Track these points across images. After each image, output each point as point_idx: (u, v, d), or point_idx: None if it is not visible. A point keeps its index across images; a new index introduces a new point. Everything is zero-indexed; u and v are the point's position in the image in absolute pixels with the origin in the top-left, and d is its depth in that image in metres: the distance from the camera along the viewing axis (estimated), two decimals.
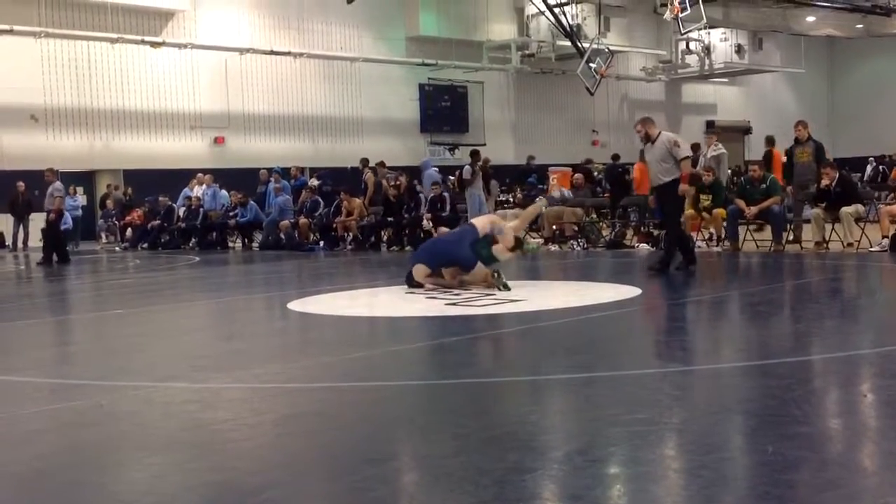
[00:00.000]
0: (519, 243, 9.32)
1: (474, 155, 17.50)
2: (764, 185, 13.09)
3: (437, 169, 20.61)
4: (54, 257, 15.90)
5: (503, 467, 3.30)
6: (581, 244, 14.98)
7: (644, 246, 14.38)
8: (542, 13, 27.44)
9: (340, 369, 5.57)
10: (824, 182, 12.52)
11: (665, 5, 25.55)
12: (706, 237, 14.09)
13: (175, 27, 24.29)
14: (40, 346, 7.33)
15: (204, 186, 21.12)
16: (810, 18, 32.68)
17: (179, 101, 24.53)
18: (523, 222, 9.34)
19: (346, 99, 27.50)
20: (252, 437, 3.94)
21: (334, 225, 17.86)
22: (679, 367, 5.22)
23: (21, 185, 20.51)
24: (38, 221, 18.92)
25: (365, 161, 19.85)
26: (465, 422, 4.05)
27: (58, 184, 16.86)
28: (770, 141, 17.72)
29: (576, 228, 15.53)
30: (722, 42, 32.89)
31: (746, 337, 6.55)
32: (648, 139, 10.17)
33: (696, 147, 19.90)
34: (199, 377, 5.35)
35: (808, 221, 13.03)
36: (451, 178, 19.20)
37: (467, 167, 17.21)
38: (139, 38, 22.98)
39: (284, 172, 20.38)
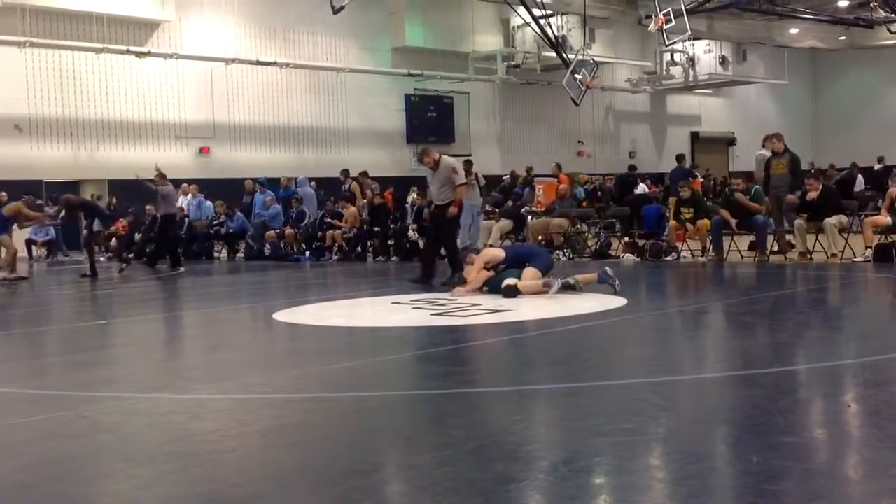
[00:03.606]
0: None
1: (467, 165, 17.50)
2: (748, 196, 13.17)
3: (314, 184, 20.76)
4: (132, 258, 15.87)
5: (489, 477, 3.30)
6: (567, 254, 15.01)
7: (630, 256, 14.42)
8: (528, 24, 27.52)
9: (326, 380, 5.56)
10: (810, 194, 12.59)
11: (650, 17, 25.69)
12: (689, 248, 14.14)
13: (160, 37, 24.23)
14: (22, 357, 7.28)
15: (189, 196, 21.04)
16: (794, 30, 32.92)
17: (165, 111, 24.46)
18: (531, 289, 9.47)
19: (331, 109, 27.48)
20: (237, 448, 3.93)
21: (319, 235, 17.83)
22: (664, 377, 5.23)
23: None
24: (22, 232, 18.80)
25: (346, 172, 19.81)
26: (450, 432, 4.05)
27: (169, 188, 16.70)
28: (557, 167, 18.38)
29: (562, 239, 15.56)
30: (706, 54, 33.08)
31: (731, 347, 6.57)
32: (436, 165, 11.07)
33: (680, 158, 20.07)
34: (184, 388, 5.33)
35: (789, 232, 13.11)
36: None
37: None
38: (124, 48, 22.90)
39: (268, 183, 20.34)
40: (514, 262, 9.51)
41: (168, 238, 16.63)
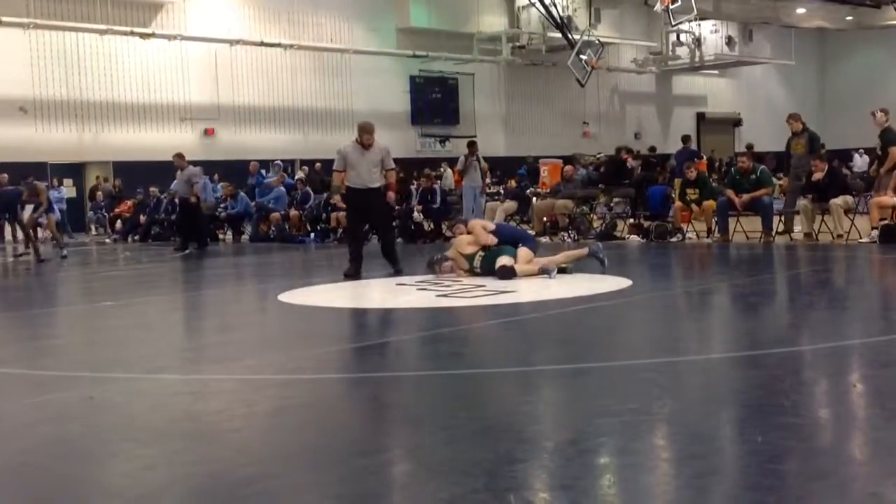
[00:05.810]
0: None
1: (470, 145, 17.42)
2: (754, 176, 13.12)
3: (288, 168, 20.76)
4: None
5: (494, 458, 3.30)
6: (571, 235, 14.99)
7: (635, 237, 14.39)
8: (533, 4, 27.41)
9: (331, 361, 5.57)
10: (816, 175, 12.55)
11: None
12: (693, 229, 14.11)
13: (164, 18, 24.17)
14: (28, 338, 7.29)
15: None
16: (800, 10, 32.71)
17: (169, 92, 24.42)
18: (566, 258, 9.61)
19: (336, 91, 27.41)
20: (243, 429, 3.94)
21: (322, 216, 17.81)
22: (669, 357, 5.23)
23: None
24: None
25: None
26: (456, 413, 4.05)
27: (192, 168, 16.74)
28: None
29: (567, 220, 15.54)
30: (712, 34, 32.88)
31: (736, 327, 6.57)
32: (372, 145, 10.40)
33: (686, 139, 19.99)
34: (189, 368, 5.34)
35: (797, 213, 13.08)
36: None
37: (462, 158, 17.20)
38: (128, 29, 22.85)
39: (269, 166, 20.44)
40: (508, 241, 9.47)
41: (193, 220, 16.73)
